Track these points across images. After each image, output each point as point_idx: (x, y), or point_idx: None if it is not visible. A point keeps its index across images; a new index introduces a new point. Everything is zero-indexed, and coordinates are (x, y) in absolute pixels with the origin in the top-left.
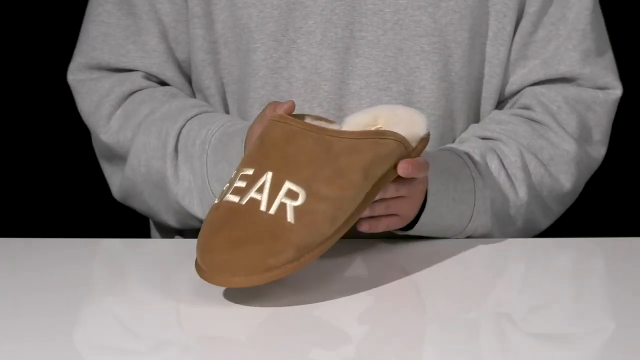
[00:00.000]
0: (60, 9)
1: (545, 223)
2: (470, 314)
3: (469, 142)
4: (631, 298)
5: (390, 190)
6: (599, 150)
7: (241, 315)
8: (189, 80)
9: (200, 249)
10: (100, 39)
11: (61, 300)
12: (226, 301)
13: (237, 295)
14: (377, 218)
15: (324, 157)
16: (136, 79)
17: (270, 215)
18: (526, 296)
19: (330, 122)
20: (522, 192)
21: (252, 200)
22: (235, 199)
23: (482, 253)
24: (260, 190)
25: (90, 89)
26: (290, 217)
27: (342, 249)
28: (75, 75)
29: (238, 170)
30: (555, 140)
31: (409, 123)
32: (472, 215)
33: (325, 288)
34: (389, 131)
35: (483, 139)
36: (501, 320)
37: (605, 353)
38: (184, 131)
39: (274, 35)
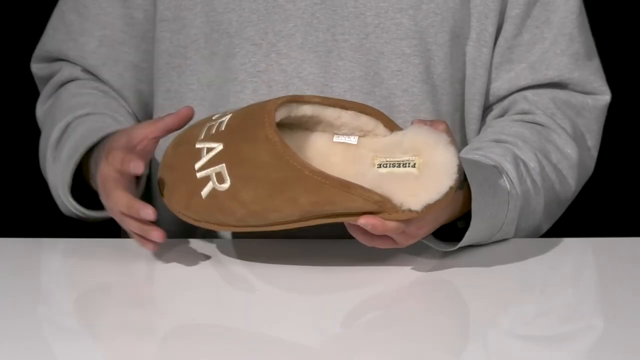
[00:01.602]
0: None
1: (546, 227)
2: (464, 312)
3: (490, 147)
4: (631, 298)
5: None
6: (591, 157)
7: (238, 315)
8: (131, 84)
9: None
10: (50, 32)
11: (59, 300)
12: (222, 300)
13: (235, 293)
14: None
15: (269, 173)
16: (75, 71)
17: (195, 177)
18: (523, 296)
19: (388, 125)
20: (541, 198)
21: (198, 150)
22: (201, 134)
23: (479, 253)
24: (209, 151)
25: (47, 75)
26: (205, 193)
27: (338, 249)
28: (36, 63)
29: (229, 115)
30: (559, 142)
31: (429, 185)
32: (502, 227)
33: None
34: (361, 187)
35: (497, 141)
36: (498, 319)
37: (604, 353)
38: (69, 127)
39: (252, 39)
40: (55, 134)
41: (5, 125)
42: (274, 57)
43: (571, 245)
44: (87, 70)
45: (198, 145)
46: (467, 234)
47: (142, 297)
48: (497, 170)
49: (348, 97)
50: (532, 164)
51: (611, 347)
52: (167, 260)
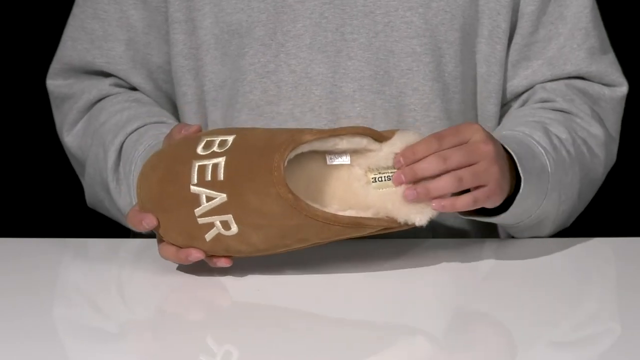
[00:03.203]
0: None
1: (580, 208)
2: (472, 313)
3: (520, 126)
4: (636, 297)
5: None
6: (614, 142)
7: (238, 319)
8: (160, 86)
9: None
10: (69, 43)
11: (49, 299)
12: (222, 304)
13: (233, 297)
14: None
15: (281, 222)
16: (104, 87)
17: (195, 222)
18: (528, 295)
19: (378, 138)
20: (577, 169)
21: (195, 195)
22: (193, 176)
23: (485, 253)
24: (209, 199)
25: (65, 95)
26: (209, 236)
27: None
28: (53, 80)
29: (222, 158)
30: (583, 124)
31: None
32: (547, 192)
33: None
34: (371, 220)
35: (525, 123)
36: (503, 319)
37: (608, 353)
38: (124, 146)
39: (262, 39)
40: (111, 156)
41: (6, 126)
42: (283, 58)
43: (591, 245)
44: (114, 84)
45: (194, 190)
46: (520, 194)
47: (142, 297)
48: (530, 139)
49: (357, 97)
50: (564, 135)
51: (619, 347)
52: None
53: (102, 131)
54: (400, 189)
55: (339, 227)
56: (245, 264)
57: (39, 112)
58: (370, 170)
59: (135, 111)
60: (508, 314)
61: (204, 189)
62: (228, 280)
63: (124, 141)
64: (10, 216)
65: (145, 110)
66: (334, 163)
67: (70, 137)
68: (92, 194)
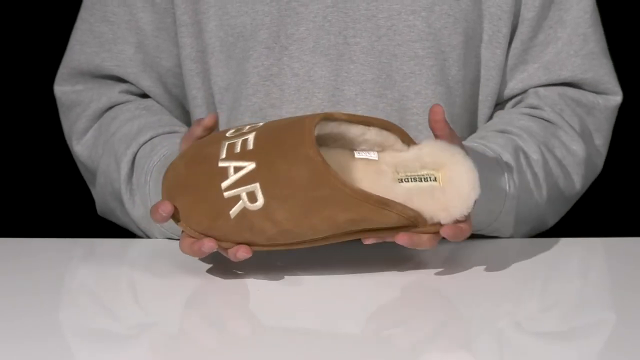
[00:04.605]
0: (61, 10)
1: (551, 223)
2: (473, 313)
3: (493, 137)
4: (634, 298)
5: None
6: (599, 155)
7: (241, 320)
8: (169, 89)
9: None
10: (78, 47)
11: (57, 301)
12: (226, 305)
13: (238, 298)
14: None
15: (308, 192)
16: (113, 95)
17: (221, 197)
18: (528, 295)
19: (406, 139)
20: (544, 192)
21: (223, 169)
22: (222, 153)
23: (484, 252)
24: (237, 170)
25: (73, 102)
26: (233, 212)
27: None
28: (61, 86)
29: (252, 134)
30: (565, 139)
31: (454, 200)
32: (499, 215)
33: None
34: (399, 204)
35: (502, 132)
36: (504, 319)
37: (607, 352)
38: (137, 157)
39: (265, 42)
40: (124, 167)
41: (14, 127)
42: (286, 61)
43: (576, 245)
44: (124, 91)
45: (222, 165)
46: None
47: (144, 298)
48: (495, 159)
49: (359, 100)
50: (535, 156)
51: (618, 346)
52: (171, 261)
53: (113, 141)
54: (426, 184)
55: (367, 207)
56: (255, 267)
57: (47, 113)
58: (397, 170)
59: (146, 120)
60: (508, 313)
61: (232, 162)
62: (238, 284)
63: (136, 152)
64: (17, 216)
65: (156, 119)
66: (361, 157)
67: (80, 147)
68: (103, 203)
